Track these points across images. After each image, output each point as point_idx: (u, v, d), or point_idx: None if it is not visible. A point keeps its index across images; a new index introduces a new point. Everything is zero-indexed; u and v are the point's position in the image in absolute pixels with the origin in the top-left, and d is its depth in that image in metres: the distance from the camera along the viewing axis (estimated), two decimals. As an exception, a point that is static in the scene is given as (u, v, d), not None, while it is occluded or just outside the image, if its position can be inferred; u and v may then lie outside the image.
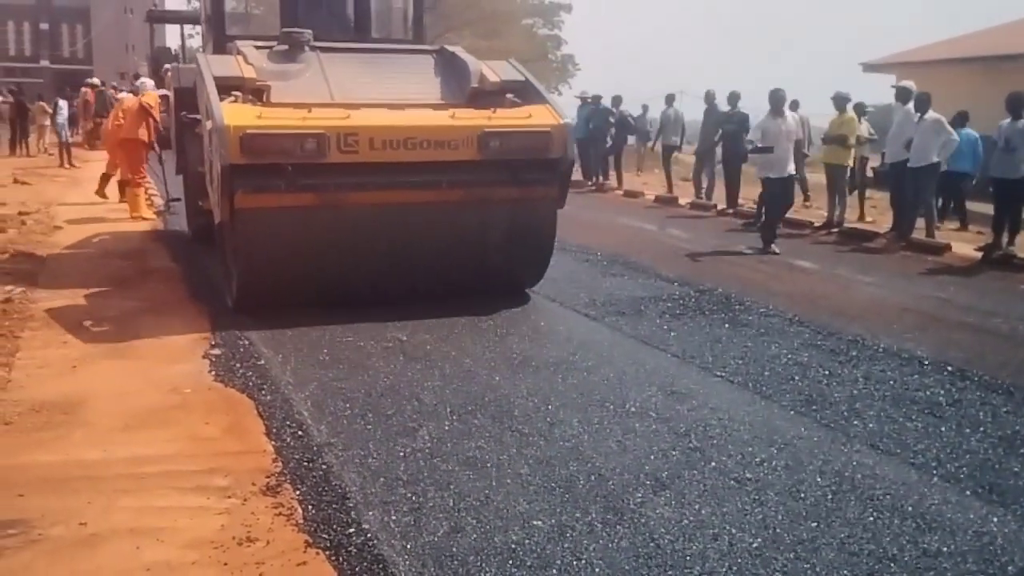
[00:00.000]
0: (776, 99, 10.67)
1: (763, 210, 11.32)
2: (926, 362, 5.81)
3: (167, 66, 10.38)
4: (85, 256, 8.79)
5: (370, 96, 6.90)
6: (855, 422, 4.67)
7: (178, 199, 10.72)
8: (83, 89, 24.28)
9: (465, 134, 6.56)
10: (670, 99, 17.41)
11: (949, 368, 5.68)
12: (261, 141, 6.05)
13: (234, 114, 6.14)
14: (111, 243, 9.66)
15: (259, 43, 7.50)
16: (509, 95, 7.22)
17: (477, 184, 6.71)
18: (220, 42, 8.28)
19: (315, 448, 4.13)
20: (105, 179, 13.29)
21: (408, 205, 6.55)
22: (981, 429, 4.63)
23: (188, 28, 14.42)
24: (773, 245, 10.40)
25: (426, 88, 7.33)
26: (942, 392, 5.23)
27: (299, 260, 6.42)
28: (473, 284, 7.07)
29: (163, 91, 11.30)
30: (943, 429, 4.62)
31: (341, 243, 6.45)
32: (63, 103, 21.56)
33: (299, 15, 8.20)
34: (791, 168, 10.68)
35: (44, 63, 66.24)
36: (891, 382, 5.39)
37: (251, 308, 6.49)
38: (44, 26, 71.15)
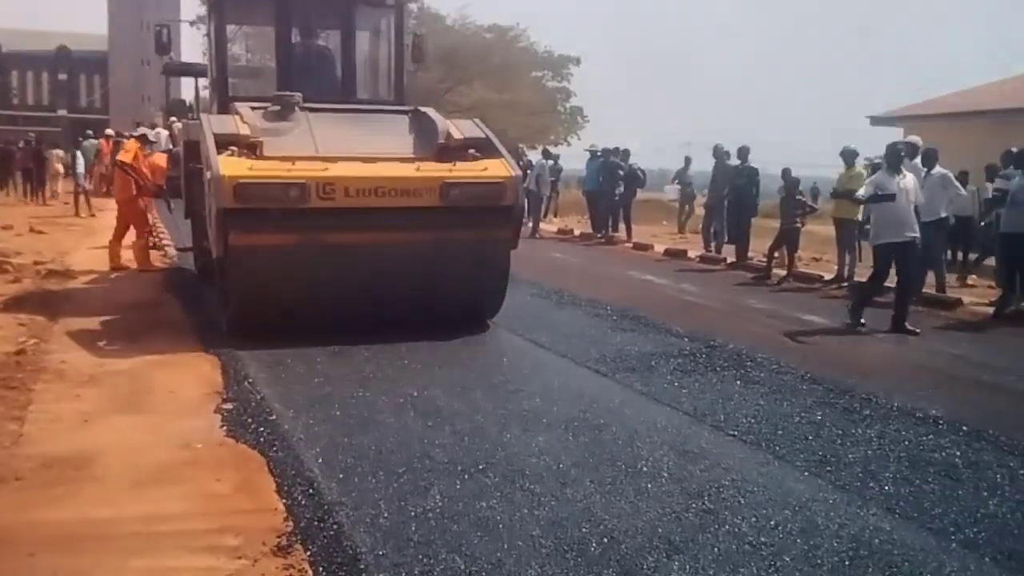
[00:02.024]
0: (893, 153, 9.46)
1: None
2: (941, 422, 5.77)
3: (172, 119, 11.13)
4: (98, 307, 8.83)
5: (349, 150, 7.77)
6: (871, 484, 4.63)
7: (189, 248, 11.28)
8: (99, 140, 24.66)
9: (428, 184, 7.55)
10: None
11: (964, 428, 5.63)
12: (252, 189, 7.07)
13: (229, 165, 7.16)
14: (124, 294, 9.71)
15: (255, 104, 8.35)
16: (471, 150, 8.11)
17: (439, 227, 7.58)
18: (223, 103, 9.14)
19: (326, 507, 4.10)
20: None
21: (379, 245, 7.49)
22: (999, 492, 4.58)
23: (203, 81, 14.67)
24: (862, 320, 9.10)
25: (399, 144, 8.19)
26: (958, 453, 5.18)
27: (284, 291, 7.37)
28: (438, 314, 7.89)
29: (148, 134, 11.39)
30: (960, 492, 4.57)
31: (321, 277, 7.40)
32: (80, 152, 21.84)
33: (293, 79, 9.04)
34: (912, 231, 9.01)
35: (62, 112, 67.24)
36: (906, 442, 5.35)
37: (244, 332, 7.31)
38: (62, 76, 72.42)
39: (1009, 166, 11.32)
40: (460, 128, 8.34)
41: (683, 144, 18.25)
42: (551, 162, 22.17)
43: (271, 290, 7.35)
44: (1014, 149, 11.35)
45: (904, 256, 9.03)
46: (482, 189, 7.71)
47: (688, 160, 20.83)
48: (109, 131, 25.73)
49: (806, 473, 4.76)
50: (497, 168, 7.90)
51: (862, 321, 9.05)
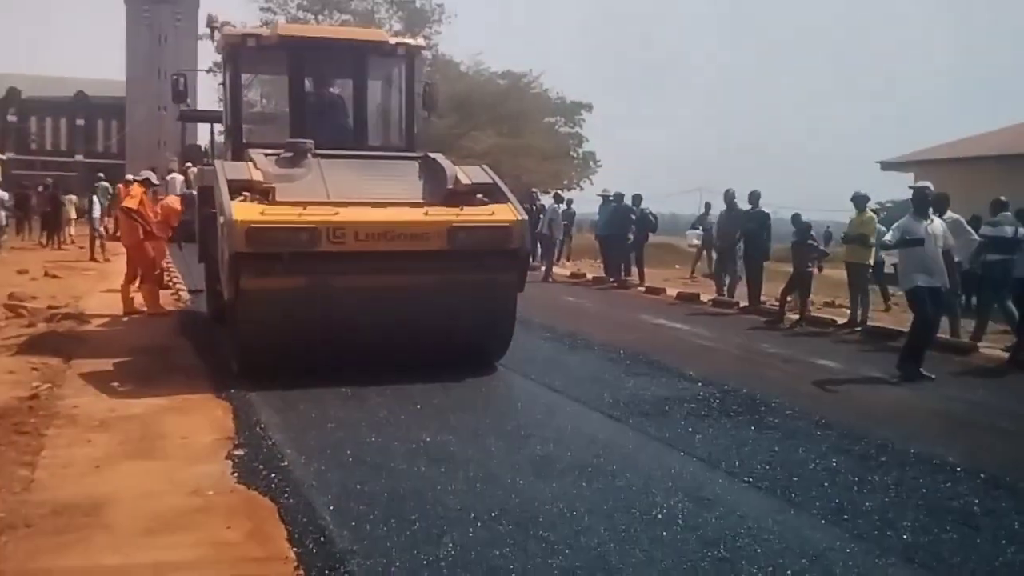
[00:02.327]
0: (920, 198, 9.16)
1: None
2: (959, 469, 5.70)
3: (188, 164, 11.33)
4: (112, 351, 8.85)
5: (359, 196, 7.88)
6: (888, 532, 4.56)
7: (200, 290, 11.65)
8: (119, 185, 24.95)
9: (436, 228, 7.68)
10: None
11: (982, 475, 5.56)
12: (263, 233, 7.20)
13: (241, 210, 7.29)
14: (137, 338, 9.74)
15: (269, 151, 8.51)
16: (479, 195, 8.24)
17: (447, 270, 7.72)
18: (238, 149, 9.32)
19: (337, 555, 4.06)
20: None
21: (389, 287, 7.61)
22: (1018, 541, 4.51)
23: (218, 126, 14.89)
24: (922, 369, 8.70)
25: (409, 189, 8.36)
26: (977, 501, 5.11)
27: (295, 333, 7.46)
28: (446, 355, 7.96)
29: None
30: (979, 541, 4.50)
31: (330, 319, 7.50)
32: (95, 196, 22.06)
33: (306, 127, 9.22)
34: (941, 279, 8.85)
35: (79, 157, 68.12)
36: (923, 490, 5.28)
37: (255, 373, 7.38)
38: (80, 121, 73.58)
39: (999, 213, 11.38)
40: (468, 174, 8.48)
41: (696, 189, 18.38)
42: (564, 206, 22.29)
43: (281, 332, 7.45)
44: (1003, 198, 11.44)
45: (935, 302, 8.86)
46: (489, 233, 7.84)
47: (708, 206, 21.08)
48: (129, 177, 26.07)
49: (822, 521, 4.70)
50: (504, 212, 8.03)
51: (924, 372, 8.67)
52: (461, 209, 7.94)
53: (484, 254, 7.82)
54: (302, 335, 7.48)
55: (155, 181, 12.60)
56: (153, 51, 70.91)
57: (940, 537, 4.53)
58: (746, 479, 5.38)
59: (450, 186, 8.27)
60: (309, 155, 8.39)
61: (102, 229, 21.29)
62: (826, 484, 5.31)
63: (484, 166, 8.92)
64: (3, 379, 7.53)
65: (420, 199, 8.21)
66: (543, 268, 19.03)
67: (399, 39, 10.10)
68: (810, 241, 13.07)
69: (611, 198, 18.94)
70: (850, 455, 5.96)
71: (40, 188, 26.47)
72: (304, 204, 7.56)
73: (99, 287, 14.39)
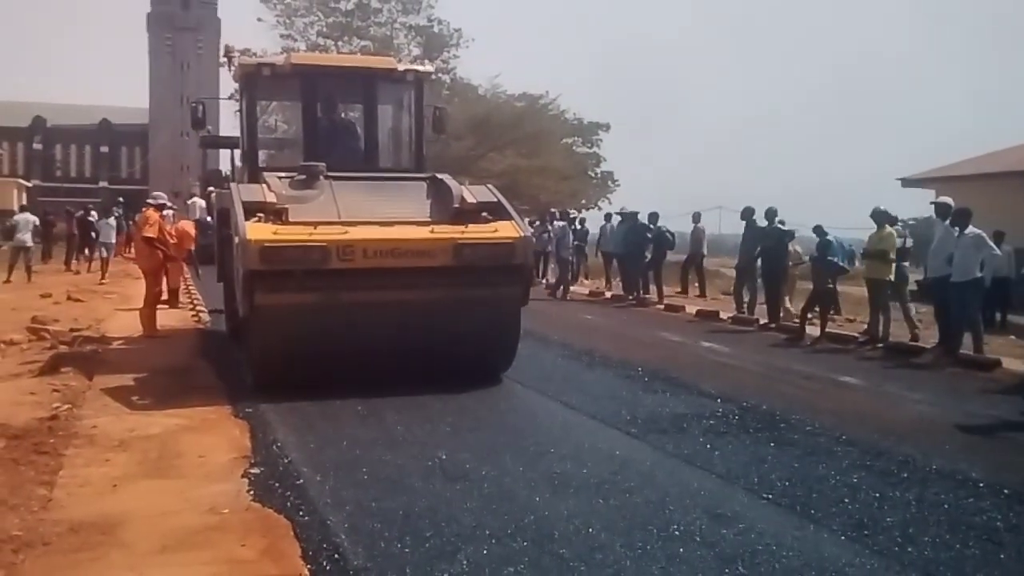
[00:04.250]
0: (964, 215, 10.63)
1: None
2: (981, 484, 5.61)
3: (210, 189, 11.64)
4: (131, 372, 8.90)
5: (369, 215, 8.15)
6: (909, 549, 4.49)
7: (220, 309, 12.02)
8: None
9: (442, 245, 7.95)
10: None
11: (1006, 491, 5.47)
12: (276, 252, 7.50)
13: (255, 230, 7.60)
14: (157, 359, 9.79)
15: (283, 174, 8.80)
16: (484, 213, 8.47)
17: (453, 285, 7.98)
18: (254, 172, 9.60)
19: (351, 573, 4.05)
20: (173, 294, 14.21)
21: (396, 302, 7.84)
22: (1044, 557, 4.43)
23: (238, 152, 15.12)
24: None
25: (416, 208, 8.60)
26: (999, 517, 5.03)
27: (306, 347, 7.67)
28: (451, 369, 8.14)
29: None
30: (1002, 557, 4.43)
31: (341, 333, 7.69)
32: (107, 221, 22.32)
33: (319, 150, 9.54)
34: (974, 272, 10.35)
35: (103, 184, 68.94)
36: (945, 506, 5.20)
37: (269, 386, 7.65)
38: (104, 149, 74.54)
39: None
40: (474, 193, 8.75)
41: (716, 208, 18.61)
42: (566, 224, 22.09)
43: (294, 346, 7.69)
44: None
45: (959, 297, 10.18)
46: (493, 249, 8.09)
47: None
48: (150, 200, 26.38)
49: (843, 537, 4.64)
50: (507, 229, 8.27)
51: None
52: (466, 226, 8.19)
53: (488, 270, 8.07)
54: (314, 348, 7.69)
55: (166, 203, 12.74)
56: (175, 78, 71.80)
57: (962, 553, 4.46)
58: (765, 496, 5.32)
59: (456, 205, 8.50)
60: (321, 177, 8.64)
61: (109, 252, 21.66)
62: (846, 500, 5.24)
63: (489, 185, 9.24)
64: (24, 400, 7.60)
65: (427, 218, 8.43)
66: (544, 282, 19.19)
67: (408, 66, 10.45)
68: (830, 257, 12.97)
69: (622, 216, 19.01)
70: (871, 471, 5.89)
71: (81, 214, 26.69)
72: (315, 224, 7.82)
73: (120, 310, 14.51)
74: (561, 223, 21.10)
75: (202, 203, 24.61)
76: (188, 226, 13.62)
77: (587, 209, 42.88)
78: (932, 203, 12.42)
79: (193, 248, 15.06)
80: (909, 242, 13.46)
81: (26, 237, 21.76)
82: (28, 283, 19.89)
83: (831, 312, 13.60)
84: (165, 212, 13.96)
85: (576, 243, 21.42)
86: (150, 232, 11.86)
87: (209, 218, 22.52)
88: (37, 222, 23.69)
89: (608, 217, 22.12)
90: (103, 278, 20.63)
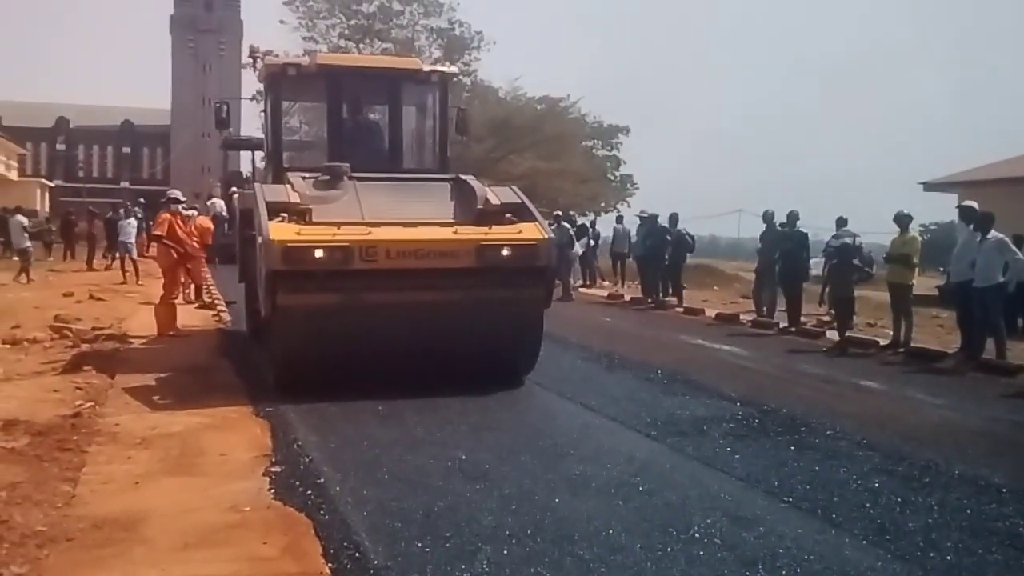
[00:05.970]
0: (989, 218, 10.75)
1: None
2: (1004, 490, 5.56)
3: (233, 189, 11.73)
4: (153, 371, 8.96)
5: (392, 216, 8.11)
6: (931, 554, 4.45)
7: (233, 301, 12.28)
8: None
9: (465, 247, 7.89)
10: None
11: (1030, 497, 5.42)
12: (299, 252, 7.46)
13: (278, 231, 7.57)
14: (179, 358, 9.86)
15: (307, 175, 8.77)
16: (508, 214, 8.42)
17: (476, 287, 7.93)
18: (278, 173, 9.57)
19: (372, 571, 4.07)
20: (198, 291, 14.71)
21: (419, 304, 7.82)
22: (1069, 564, 4.38)
23: (259, 153, 15.22)
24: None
25: (440, 209, 8.54)
26: (1022, 522, 4.98)
27: (328, 347, 7.67)
28: (474, 370, 8.12)
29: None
30: (1027, 563, 4.38)
31: (363, 334, 7.67)
32: (128, 221, 22.37)
33: (343, 151, 9.52)
34: (997, 277, 10.44)
35: (124, 184, 69.49)
36: (968, 511, 5.16)
37: (290, 386, 7.65)
38: (126, 149, 75.18)
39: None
40: (498, 194, 8.68)
41: (735, 211, 18.37)
42: (590, 227, 22.06)
43: (316, 346, 7.67)
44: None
45: (980, 301, 10.25)
46: (516, 251, 8.02)
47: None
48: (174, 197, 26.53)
49: (864, 542, 4.61)
50: (531, 231, 8.22)
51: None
52: (490, 228, 8.15)
53: (511, 271, 8.02)
54: (335, 349, 7.69)
55: (178, 198, 12.81)
56: (197, 80, 72.32)
57: (984, 559, 4.42)
58: (786, 499, 5.29)
59: (480, 206, 8.45)
60: (345, 178, 8.62)
61: (131, 251, 21.72)
62: (868, 505, 5.21)
63: (513, 187, 9.15)
64: (48, 398, 7.67)
65: (451, 219, 8.38)
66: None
67: (432, 67, 10.44)
68: (853, 261, 12.86)
69: (647, 218, 18.94)
70: (893, 476, 5.85)
71: (109, 214, 26.88)
72: (339, 224, 7.78)
73: (142, 308, 14.61)
74: (564, 225, 21.06)
75: (221, 203, 24.77)
76: (205, 221, 13.78)
77: (606, 212, 42.89)
78: (957, 207, 12.31)
79: (210, 242, 15.35)
80: None
81: (22, 240, 21.90)
82: (28, 283, 20.03)
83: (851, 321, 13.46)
84: (187, 212, 14.08)
85: (591, 244, 21.46)
86: (158, 231, 12.11)
87: (226, 215, 22.64)
88: (27, 222, 23.79)
89: (619, 219, 22.19)
90: (137, 280, 20.63)
